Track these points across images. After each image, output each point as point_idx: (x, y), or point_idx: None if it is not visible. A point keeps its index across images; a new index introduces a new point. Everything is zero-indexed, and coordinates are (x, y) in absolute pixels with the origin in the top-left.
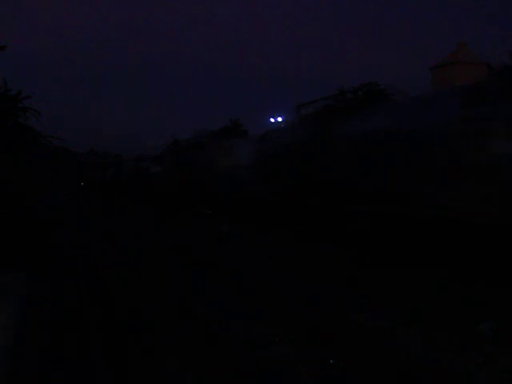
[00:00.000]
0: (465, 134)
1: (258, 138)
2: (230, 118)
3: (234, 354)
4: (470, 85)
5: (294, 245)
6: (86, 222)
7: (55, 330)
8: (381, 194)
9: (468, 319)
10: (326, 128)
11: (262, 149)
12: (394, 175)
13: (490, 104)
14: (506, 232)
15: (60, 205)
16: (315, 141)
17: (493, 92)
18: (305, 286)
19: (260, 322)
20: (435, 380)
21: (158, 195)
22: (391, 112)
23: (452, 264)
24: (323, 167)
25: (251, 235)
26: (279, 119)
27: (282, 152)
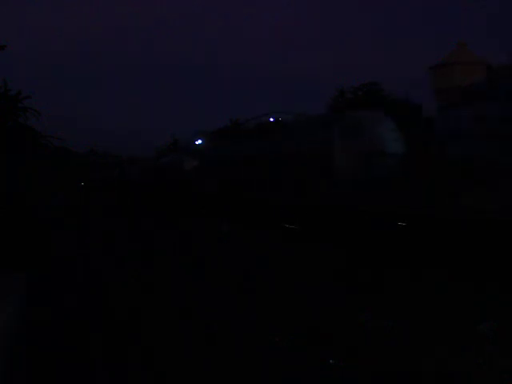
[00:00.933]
0: None
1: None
2: (230, 118)
3: (233, 354)
4: None
5: (294, 245)
6: (86, 224)
7: (55, 329)
8: None
9: (468, 319)
10: None
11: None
12: None
13: None
14: None
15: (60, 205)
16: None
17: None
18: (305, 285)
19: (260, 321)
20: (435, 380)
21: (195, 199)
22: None
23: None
24: None
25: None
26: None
27: None
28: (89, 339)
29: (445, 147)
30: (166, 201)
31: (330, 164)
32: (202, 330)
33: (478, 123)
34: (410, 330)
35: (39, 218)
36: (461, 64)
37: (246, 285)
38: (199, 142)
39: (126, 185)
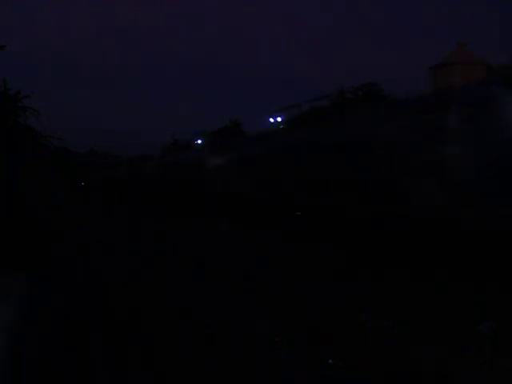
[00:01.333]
0: None
1: None
2: (230, 118)
3: (233, 354)
4: None
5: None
6: (86, 224)
7: (55, 329)
8: None
9: (468, 319)
10: None
11: None
12: None
13: None
14: None
15: (60, 205)
16: None
17: None
18: (305, 285)
19: (260, 322)
20: (435, 380)
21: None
22: None
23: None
24: None
25: None
26: (279, 119)
27: None
28: (89, 339)
29: None
30: (173, 201)
31: (443, 159)
32: (202, 329)
33: None
34: (410, 330)
35: (39, 218)
36: (461, 64)
37: (246, 285)
38: (199, 141)
39: (128, 184)
